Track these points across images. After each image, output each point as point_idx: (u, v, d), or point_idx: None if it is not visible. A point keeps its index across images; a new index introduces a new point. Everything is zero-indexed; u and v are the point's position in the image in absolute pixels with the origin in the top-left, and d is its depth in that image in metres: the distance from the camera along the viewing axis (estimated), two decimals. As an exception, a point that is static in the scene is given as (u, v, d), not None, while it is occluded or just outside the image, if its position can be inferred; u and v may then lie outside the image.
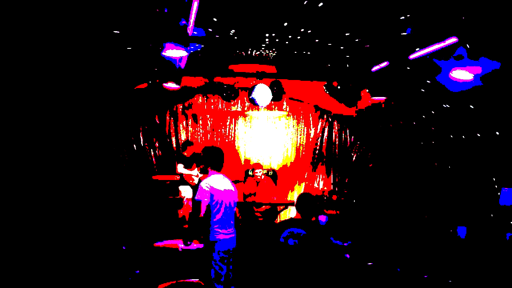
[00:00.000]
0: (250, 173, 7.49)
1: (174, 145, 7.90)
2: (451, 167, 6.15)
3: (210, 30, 4.68)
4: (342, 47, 5.27)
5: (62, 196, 5.23)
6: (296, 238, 3.27)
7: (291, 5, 3.92)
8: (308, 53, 5.69)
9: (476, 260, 4.66)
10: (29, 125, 4.74)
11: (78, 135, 5.83)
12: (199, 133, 8.09)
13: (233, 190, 3.98)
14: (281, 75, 6.85)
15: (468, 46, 3.96)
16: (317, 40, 5.04)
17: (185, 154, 7.15)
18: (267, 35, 4.98)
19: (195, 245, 5.29)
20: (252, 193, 7.15)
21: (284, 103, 8.07)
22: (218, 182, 3.86)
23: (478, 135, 5.44)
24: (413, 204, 6.68)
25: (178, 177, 7.01)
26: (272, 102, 6.90)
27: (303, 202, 3.48)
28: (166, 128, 7.91)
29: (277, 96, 6.74)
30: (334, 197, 7.37)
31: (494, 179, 5.38)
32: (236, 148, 8.25)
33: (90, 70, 5.31)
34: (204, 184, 3.79)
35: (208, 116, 8.10)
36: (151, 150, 7.73)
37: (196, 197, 3.79)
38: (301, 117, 8.34)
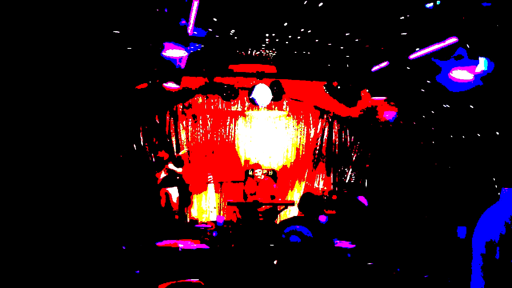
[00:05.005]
0: (250, 173, 7.49)
1: (174, 145, 7.92)
2: (451, 167, 6.15)
3: (210, 30, 4.67)
4: (342, 47, 5.27)
5: (62, 196, 5.23)
6: (299, 236, 3.26)
7: (291, 5, 3.92)
8: (308, 53, 5.69)
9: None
10: (29, 125, 4.74)
11: (78, 135, 5.83)
12: (199, 133, 8.09)
13: None
14: (281, 75, 6.84)
15: (468, 46, 3.96)
16: (317, 40, 5.04)
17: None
18: (267, 35, 4.98)
19: (195, 245, 5.30)
20: (252, 193, 7.15)
21: (284, 103, 8.07)
22: None
23: (478, 135, 5.44)
24: (413, 204, 6.68)
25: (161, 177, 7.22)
26: (272, 102, 6.89)
27: (306, 202, 3.48)
28: (166, 128, 7.91)
29: (277, 96, 6.73)
30: (334, 197, 7.37)
31: (494, 179, 5.38)
32: (236, 148, 8.25)
33: (90, 70, 5.31)
34: None
35: (208, 116, 8.10)
36: (151, 150, 7.74)
37: None
38: (301, 117, 8.34)
